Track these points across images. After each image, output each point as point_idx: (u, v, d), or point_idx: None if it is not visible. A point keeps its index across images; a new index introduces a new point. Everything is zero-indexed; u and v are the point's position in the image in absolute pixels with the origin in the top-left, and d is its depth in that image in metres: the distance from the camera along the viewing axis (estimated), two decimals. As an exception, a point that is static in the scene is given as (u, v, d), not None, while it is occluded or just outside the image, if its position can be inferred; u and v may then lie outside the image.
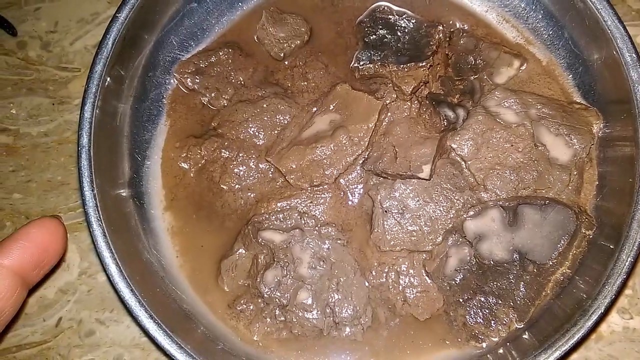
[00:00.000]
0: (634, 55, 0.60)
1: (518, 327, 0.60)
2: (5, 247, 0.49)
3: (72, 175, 0.74)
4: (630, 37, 0.60)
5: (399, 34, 0.69)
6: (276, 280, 0.61)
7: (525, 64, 0.68)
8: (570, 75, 0.68)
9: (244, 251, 0.63)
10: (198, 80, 0.69)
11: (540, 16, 0.70)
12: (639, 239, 0.56)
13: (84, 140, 0.59)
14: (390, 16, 0.70)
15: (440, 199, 0.62)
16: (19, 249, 0.49)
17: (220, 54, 0.69)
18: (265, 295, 0.61)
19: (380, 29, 0.69)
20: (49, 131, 0.75)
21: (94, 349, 0.68)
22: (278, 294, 0.61)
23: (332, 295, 0.61)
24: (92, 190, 0.59)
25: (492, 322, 0.60)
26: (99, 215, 0.58)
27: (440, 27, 0.68)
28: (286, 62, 0.71)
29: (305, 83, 0.69)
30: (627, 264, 0.56)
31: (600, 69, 0.65)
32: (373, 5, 0.71)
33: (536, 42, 0.70)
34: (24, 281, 0.49)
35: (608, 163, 0.64)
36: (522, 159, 0.62)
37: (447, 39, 0.69)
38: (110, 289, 0.69)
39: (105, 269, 0.57)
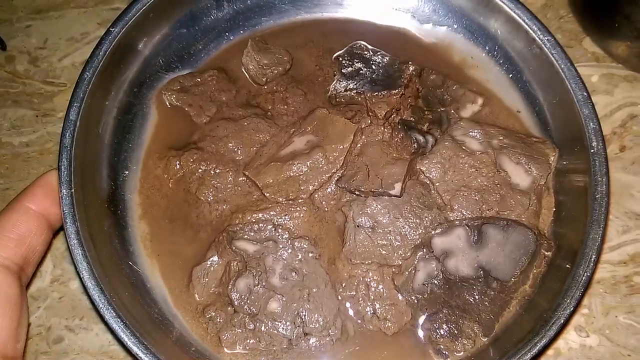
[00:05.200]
0: (584, 93, 0.66)
1: (483, 341, 0.61)
2: (31, 193, 0.57)
3: (51, 185, 0.75)
4: (580, 77, 0.67)
5: (373, 67, 0.74)
6: (247, 288, 0.61)
7: (488, 102, 0.74)
8: (529, 113, 0.74)
9: (216, 259, 0.64)
10: (182, 98, 0.72)
11: (501, 60, 0.76)
12: (594, 256, 0.60)
13: (67, 140, 0.61)
14: (365, 52, 0.76)
15: (410, 215, 0.65)
16: (42, 194, 0.56)
17: (206, 75, 0.73)
18: (236, 303, 0.61)
19: (357, 62, 0.75)
20: (30, 142, 0.76)
21: (61, 356, 0.67)
22: (249, 302, 0.61)
23: (303, 305, 0.61)
24: (70, 189, 0.59)
25: (458, 336, 0.61)
26: (74, 212, 0.58)
27: (411, 64, 0.74)
28: (267, 87, 0.75)
29: (285, 107, 0.73)
30: (583, 278, 0.59)
31: (556, 108, 0.71)
32: (351, 43, 0.77)
33: (498, 83, 0.76)
34: (49, 223, 0.56)
35: (565, 192, 0.68)
36: (485, 183, 0.66)
37: (418, 75, 0.75)
38: (82, 297, 0.68)
39: (76, 268, 0.56)
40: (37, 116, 0.77)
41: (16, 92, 0.79)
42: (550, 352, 0.68)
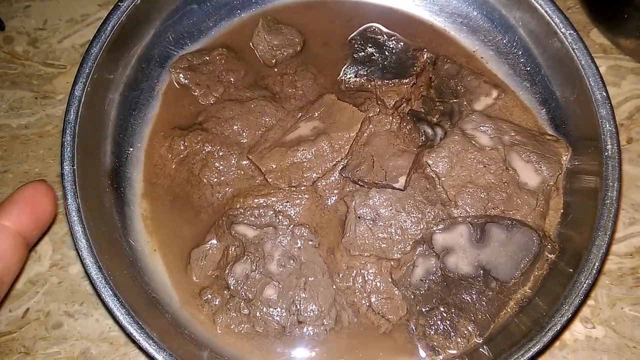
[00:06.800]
0: (604, 93, 0.64)
1: (477, 341, 0.61)
2: (5, 209, 0.52)
3: (50, 168, 0.75)
4: (601, 76, 0.64)
5: (386, 53, 0.72)
6: (244, 273, 0.62)
7: (502, 95, 0.72)
8: (544, 110, 0.72)
9: (215, 242, 0.64)
10: (190, 76, 0.71)
11: (520, 53, 0.74)
12: (597, 263, 0.58)
13: (71, 116, 0.60)
14: (379, 36, 0.74)
15: (412, 210, 0.64)
16: (18, 210, 0.52)
17: (215, 53, 0.72)
18: (232, 288, 0.61)
19: (370, 47, 0.73)
20: (29, 124, 0.76)
21: (60, 341, 0.67)
22: (245, 287, 0.61)
23: (299, 293, 0.61)
24: (73, 166, 0.59)
25: (452, 334, 0.61)
26: (75, 189, 0.58)
27: (426, 51, 0.72)
28: (277, 69, 0.73)
29: (294, 90, 0.72)
30: (584, 286, 0.57)
31: (572, 106, 0.69)
32: (365, 25, 0.75)
33: (514, 76, 0.74)
34: (25, 240, 0.52)
35: (574, 193, 0.67)
36: (493, 180, 0.65)
37: (432, 63, 0.72)
38: (82, 282, 0.69)
39: (75, 245, 0.57)
40: (36, 98, 0.76)
41: (15, 74, 0.78)
42: (556, 343, 0.68)
